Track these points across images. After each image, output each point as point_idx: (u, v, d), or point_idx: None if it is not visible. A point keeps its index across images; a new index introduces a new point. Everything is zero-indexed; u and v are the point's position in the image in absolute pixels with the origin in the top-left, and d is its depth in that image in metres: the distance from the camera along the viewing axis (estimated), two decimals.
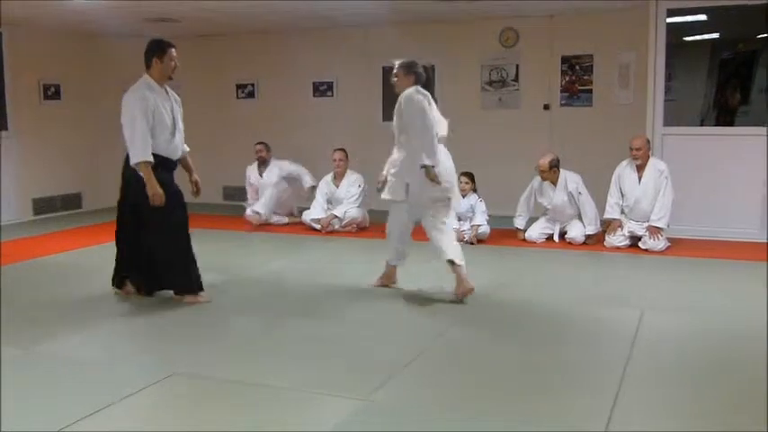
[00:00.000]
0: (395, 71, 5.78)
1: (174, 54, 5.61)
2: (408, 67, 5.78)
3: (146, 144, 5.30)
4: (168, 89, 5.66)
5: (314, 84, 10.53)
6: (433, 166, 5.52)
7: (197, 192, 5.91)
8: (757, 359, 4.31)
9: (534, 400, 3.72)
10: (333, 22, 9.57)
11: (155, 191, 5.32)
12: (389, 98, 10.09)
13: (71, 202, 10.39)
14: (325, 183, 8.83)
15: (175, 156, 5.64)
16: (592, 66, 9.18)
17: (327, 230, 8.51)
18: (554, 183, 7.90)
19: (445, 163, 5.69)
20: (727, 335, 4.79)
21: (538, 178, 8.01)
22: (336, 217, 8.59)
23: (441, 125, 5.73)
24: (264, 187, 9.09)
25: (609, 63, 9.06)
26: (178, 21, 9.20)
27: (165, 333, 4.92)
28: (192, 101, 10.97)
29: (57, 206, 10.15)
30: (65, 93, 10.21)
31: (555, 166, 7.85)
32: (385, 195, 5.80)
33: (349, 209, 8.62)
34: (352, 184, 8.74)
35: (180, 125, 5.66)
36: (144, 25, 9.37)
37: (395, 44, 9.73)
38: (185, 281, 5.57)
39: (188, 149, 5.90)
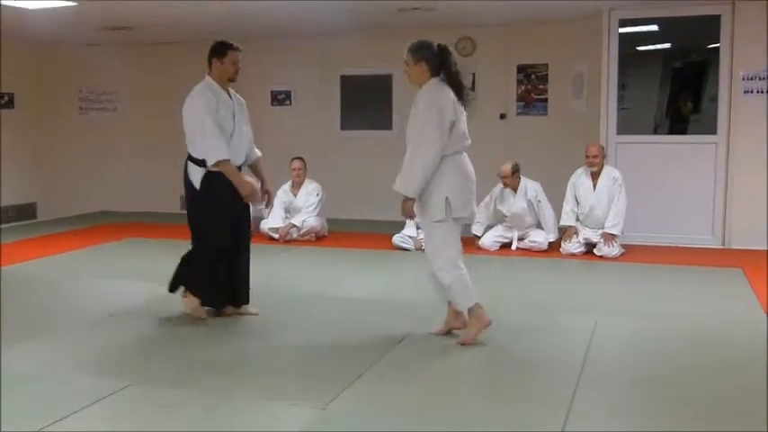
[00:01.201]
0: (404, 59, 4.83)
1: (237, 57, 5.30)
2: (416, 52, 4.72)
3: (219, 142, 5.03)
4: (231, 91, 5.37)
5: (272, 92, 10.50)
6: (410, 199, 4.63)
7: (268, 202, 5.70)
8: (711, 364, 4.38)
9: (489, 408, 3.74)
10: (290, 30, 9.56)
11: (246, 188, 5.11)
12: (347, 107, 10.20)
13: (25, 212, 10.23)
14: (284, 192, 8.78)
15: (237, 161, 5.22)
16: (547, 75, 9.30)
17: (285, 239, 8.49)
18: (515, 189, 7.98)
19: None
20: (681, 340, 4.86)
21: (499, 185, 8.08)
22: (294, 226, 8.56)
23: (460, 139, 4.88)
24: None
25: (564, 72, 9.18)
26: (133, 28, 9.14)
27: (121, 345, 4.86)
28: (147, 109, 10.96)
29: (11, 216, 9.98)
30: (18, 101, 10.07)
31: (516, 171, 7.95)
32: (420, 219, 4.89)
33: (307, 218, 8.60)
34: (310, 194, 8.72)
35: (244, 128, 5.34)
36: (100, 33, 9.30)
37: (352, 52, 9.80)
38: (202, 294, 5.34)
39: (259, 154, 5.53)
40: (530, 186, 7.97)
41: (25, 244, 8.54)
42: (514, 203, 7.97)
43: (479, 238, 8.06)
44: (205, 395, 3.91)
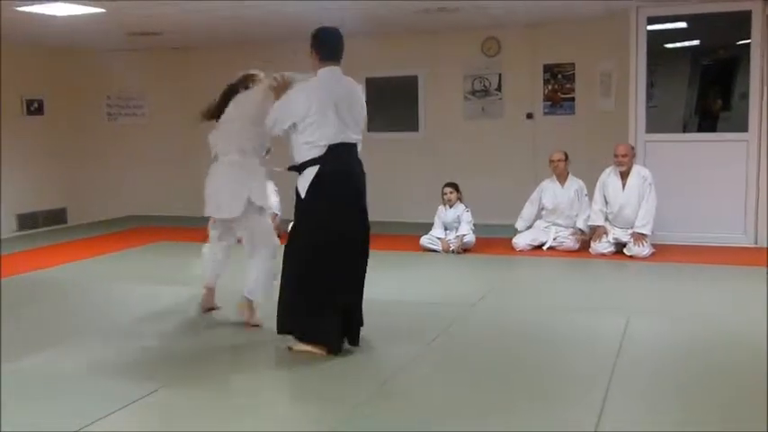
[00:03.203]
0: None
1: None
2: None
3: None
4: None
5: None
6: None
7: None
8: (745, 365, 4.33)
9: (521, 409, 3.72)
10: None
11: None
12: (373, 109, 10.15)
13: (55, 217, 10.33)
14: None
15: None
16: (574, 74, 9.24)
17: None
18: (564, 179, 8.01)
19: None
20: (713, 340, 4.81)
21: (546, 180, 8.11)
22: None
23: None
24: None
25: (591, 71, 9.11)
26: (161, 33, 9.20)
27: (150, 348, 4.88)
28: (175, 114, 11.02)
29: (40, 221, 10.08)
30: (48, 107, 10.17)
31: (567, 158, 8.03)
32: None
33: None
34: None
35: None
36: (125, 39, 9.37)
37: (377, 55, 9.77)
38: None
39: None
40: (576, 180, 8.03)
41: (56, 249, 8.63)
42: (562, 194, 7.99)
43: (519, 232, 8.08)
44: (234, 398, 3.91)
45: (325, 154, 4.41)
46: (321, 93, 4.50)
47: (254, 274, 5.16)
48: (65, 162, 10.42)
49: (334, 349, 4.49)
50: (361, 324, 4.66)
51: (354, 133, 4.56)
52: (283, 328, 4.62)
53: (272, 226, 5.43)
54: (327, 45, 4.63)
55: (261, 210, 5.21)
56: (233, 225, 5.32)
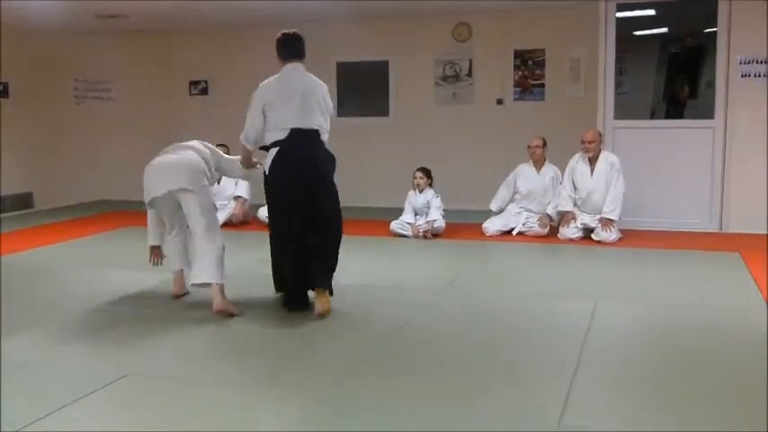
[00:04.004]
0: None
1: None
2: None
3: None
4: None
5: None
6: None
7: None
8: (711, 350, 4.38)
9: (485, 396, 3.73)
10: (285, 18, 9.51)
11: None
12: (344, 94, 10.18)
13: (22, 201, 10.21)
14: None
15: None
16: (544, 60, 9.29)
17: None
18: (541, 165, 8.07)
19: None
20: (679, 325, 4.86)
21: (522, 165, 8.16)
22: None
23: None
24: None
25: (560, 58, 9.18)
26: (128, 16, 9.10)
27: (119, 334, 4.86)
28: (142, 98, 10.93)
29: (7, 206, 9.96)
30: (13, 90, 10.03)
31: (545, 144, 8.07)
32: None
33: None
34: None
35: None
36: (92, 21, 9.26)
37: (348, 40, 9.76)
38: None
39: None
40: (552, 167, 8.09)
41: (23, 233, 8.53)
42: (537, 179, 8.04)
43: (494, 213, 8.16)
44: (202, 384, 3.91)
45: (287, 138, 5.02)
46: (284, 82, 5.12)
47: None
48: (31, 146, 10.30)
49: (291, 297, 5.20)
50: (326, 274, 5.16)
51: (317, 121, 5.11)
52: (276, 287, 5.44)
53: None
54: (288, 47, 5.23)
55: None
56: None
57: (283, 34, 5.24)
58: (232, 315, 5.05)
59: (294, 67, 5.15)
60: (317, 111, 5.12)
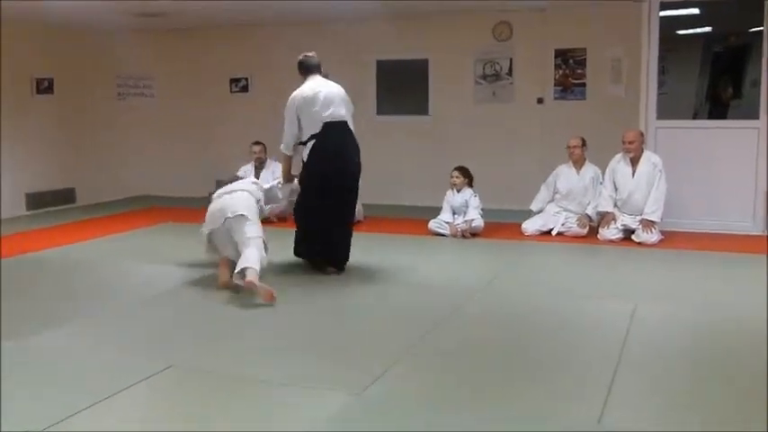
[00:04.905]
0: None
1: None
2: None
3: None
4: None
5: None
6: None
7: None
8: (752, 353, 4.32)
9: (526, 396, 3.72)
10: (324, 16, 9.56)
11: None
12: (383, 92, 10.19)
13: (64, 196, 10.35)
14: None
15: None
16: (585, 59, 9.20)
17: None
18: (581, 165, 8.01)
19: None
20: (720, 328, 4.81)
21: (562, 165, 8.10)
22: None
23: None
24: None
25: (602, 57, 9.08)
26: (166, 15, 9.20)
27: (161, 328, 4.91)
28: (183, 94, 11.03)
29: (50, 201, 10.11)
30: (58, 86, 10.17)
31: (585, 143, 8.00)
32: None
33: None
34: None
35: None
36: (133, 19, 9.37)
37: (388, 38, 9.76)
38: None
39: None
40: (592, 167, 8.03)
41: (65, 228, 8.66)
42: (577, 180, 7.99)
43: (535, 213, 8.12)
44: (242, 379, 3.93)
45: (321, 131, 6.04)
46: (308, 88, 6.15)
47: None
48: (74, 142, 10.44)
49: (316, 264, 6.25)
50: (347, 258, 6.27)
51: (342, 113, 6.15)
52: (296, 253, 6.41)
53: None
54: (306, 66, 6.34)
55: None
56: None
57: (303, 55, 6.36)
58: (263, 293, 5.26)
59: (313, 78, 6.24)
60: (340, 105, 6.13)
